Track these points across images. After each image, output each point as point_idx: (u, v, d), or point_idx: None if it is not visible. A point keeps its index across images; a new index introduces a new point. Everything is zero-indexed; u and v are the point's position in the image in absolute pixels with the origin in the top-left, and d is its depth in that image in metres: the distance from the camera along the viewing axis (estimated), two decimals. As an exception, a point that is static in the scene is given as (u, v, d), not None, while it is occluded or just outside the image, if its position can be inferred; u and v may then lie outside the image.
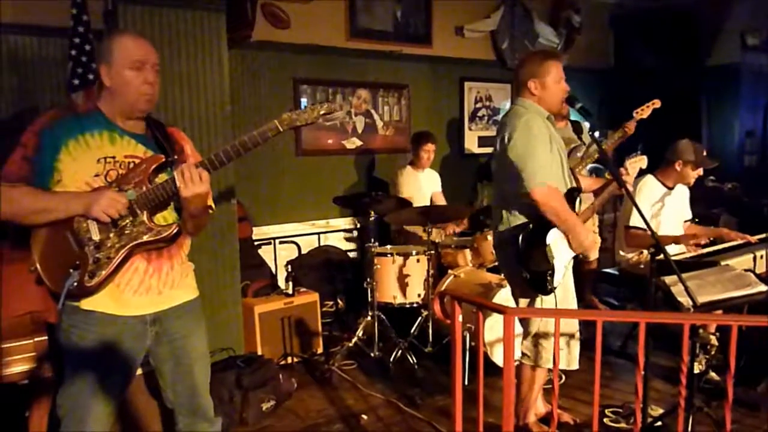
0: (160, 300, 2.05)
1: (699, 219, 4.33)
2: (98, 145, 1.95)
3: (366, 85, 5.45)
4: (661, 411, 3.09)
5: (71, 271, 1.87)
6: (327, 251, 5.24)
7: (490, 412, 2.60)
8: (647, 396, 2.80)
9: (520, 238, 2.67)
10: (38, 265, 1.93)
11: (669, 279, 2.61)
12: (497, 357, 3.59)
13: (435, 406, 3.43)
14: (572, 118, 4.42)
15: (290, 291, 4.16)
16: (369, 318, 4.11)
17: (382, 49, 5.46)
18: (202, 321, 2.21)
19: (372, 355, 4.03)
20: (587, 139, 4.28)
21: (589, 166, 4.58)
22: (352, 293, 5.01)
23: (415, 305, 4.21)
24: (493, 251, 3.14)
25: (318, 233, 5.29)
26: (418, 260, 4.18)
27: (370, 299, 4.12)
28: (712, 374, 3.47)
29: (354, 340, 4.09)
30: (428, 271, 4.10)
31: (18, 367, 2.44)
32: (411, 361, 3.89)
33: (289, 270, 4.34)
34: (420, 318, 4.13)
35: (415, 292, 4.19)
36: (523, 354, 2.94)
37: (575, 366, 2.96)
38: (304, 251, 5.18)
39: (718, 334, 3.33)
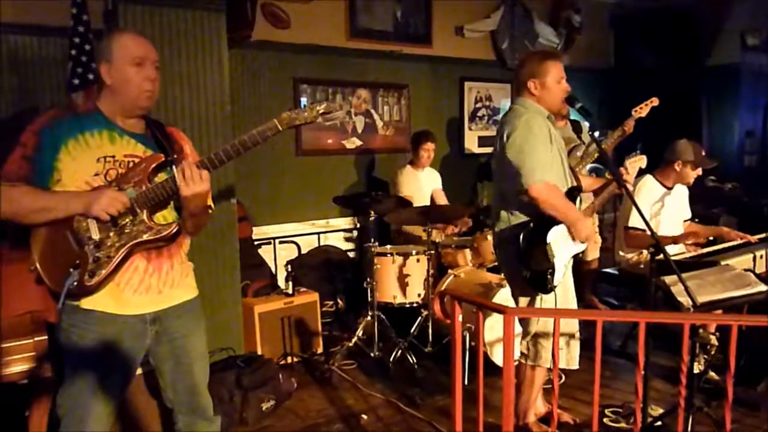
0: (160, 299, 2.05)
1: (699, 219, 4.33)
2: (98, 145, 1.95)
3: (366, 85, 5.45)
4: (661, 411, 3.09)
5: (71, 270, 1.87)
6: (327, 251, 5.24)
7: (490, 411, 2.60)
8: (647, 396, 2.80)
9: (521, 236, 2.67)
10: (38, 265, 1.93)
11: (669, 279, 2.61)
12: (497, 357, 3.59)
13: (435, 405, 3.43)
14: (572, 117, 4.43)
15: (290, 291, 4.16)
16: (369, 318, 4.11)
17: (382, 49, 5.46)
18: (201, 320, 2.22)
19: (372, 354, 4.03)
20: (587, 139, 4.28)
21: (589, 165, 4.58)
22: (352, 293, 5.00)
23: (415, 305, 4.21)
24: (493, 251, 3.14)
25: (318, 233, 5.29)
26: (418, 260, 4.18)
27: (370, 299, 4.12)
28: (712, 374, 3.47)
29: (354, 339, 4.09)
30: (428, 271, 4.10)
31: (18, 366, 2.44)
32: (411, 361, 3.89)
33: (289, 270, 4.35)
34: (420, 318, 4.13)
35: (415, 291, 4.19)
36: (522, 353, 2.94)
37: (575, 366, 2.96)
38: (304, 251, 5.18)
39: (718, 333, 3.33)
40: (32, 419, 2.57)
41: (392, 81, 5.60)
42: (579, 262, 4.62)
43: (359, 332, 4.12)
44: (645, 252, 3.76)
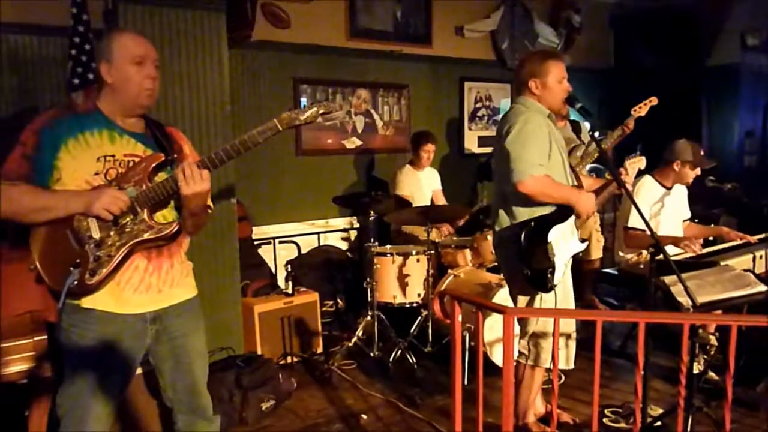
0: (160, 298, 2.05)
1: (699, 219, 4.33)
2: (98, 144, 1.95)
3: (366, 85, 5.45)
4: (660, 411, 3.09)
5: (72, 269, 1.87)
6: (327, 251, 5.24)
7: (490, 411, 2.60)
8: (647, 396, 2.80)
9: (523, 235, 2.67)
10: (38, 264, 1.93)
11: (668, 279, 2.61)
12: (497, 357, 3.59)
13: (435, 405, 3.43)
14: (572, 117, 4.43)
15: (290, 291, 4.16)
16: (369, 318, 4.11)
17: (382, 49, 5.46)
18: (201, 319, 2.22)
19: (372, 354, 4.03)
20: (586, 139, 4.28)
21: (589, 165, 4.58)
22: (352, 293, 5.01)
23: (414, 305, 4.21)
24: (493, 251, 3.14)
25: (318, 233, 5.29)
26: (417, 260, 4.18)
27: (369, 299, 4.12)
28: (712, 374, 3.47)
29: (354, 339, 4.09)
30: (428, 271, 4.10)
31: (17, 366, 2.44)
32: (411, 361, 3.89)
33: (289, 270, 4.35)
34: (420, 318, 4.13)
35: (415, 291, 4.19)
36: (521, 353, 2.94)
37: (572, 365, 2.96)
38: (303, 251, 5.18)
39: (717, 334, 3.33)
40: (32, 419, 2.57)
41: (392, 81, 5.60)
42: (581, 262, 4.63)
43: (359, 332, 4.12)
44: (644, 252, 3.76)
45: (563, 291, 2.87)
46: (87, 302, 1.94)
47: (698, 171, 3.84)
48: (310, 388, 3.72)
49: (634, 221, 3.71)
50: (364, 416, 3.33)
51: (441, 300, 2.58)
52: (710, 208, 5.46)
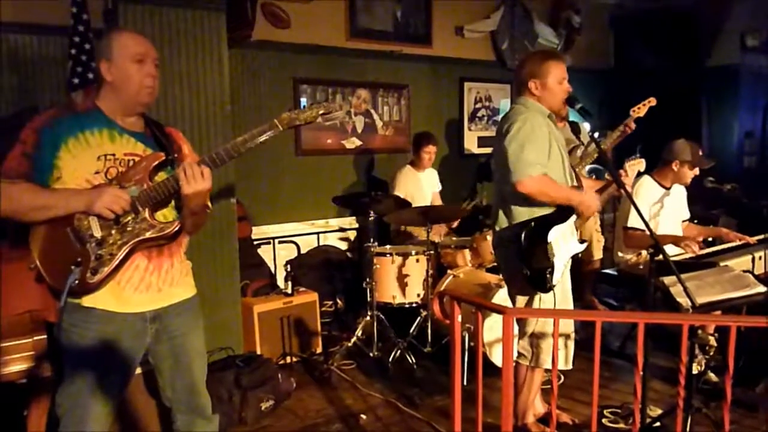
0: (160, 297, 2.06)
1: (698, 220, 4.33)
2: (98, 143, 1.95)
3: (366, 85, 5.45)
4: (659, 411, 3.09)
5: (73, 267, 1.87)
6: (326, 251, 5.24)
7: (489, 412, 2.60)
8: (646, 396, 2.80)
9: (523, 235, 2.67)
10: (38, 262, 1.92)
11: (668, 279, 2.61)
12: (496, 357, 3.60)
13: (434, 406, 3.43)
14: (571, 118, 4.44)
15: (289, 291, 4.16)
16: (368, 318, 4.11)
17: (382, 49, 5.46)
18: (200, 319, 2.22)
19: (371, 354, 4.03)
20: (586, 140, 4.28)
21: (588, 166, 4.58)
22: (352, 293, 5.01)
23: (414, 305, 4.21)
24: (493, 251, 3.14)
25: (317, 233, 5.29)
26: (417, 260, 4.18)
27: (369, 299, 4.12)
28: (711, 375, 3.47)
29: (353, 339, 4.09)
30: (427, 271, 4.10)
31: (17, 366, 2.44)
32: (410, 361, 3.89)
33: (289, 270, 4.35)
34: (419, 318, 4.13)
35: (415, 292, 4.19)
36: (520, 354, 2.94)
37: (570, 366, 2.96)
38: (303, 251, 5.18)
39: (716, 334, 3.33)
40: (31, 419, 2.57)
41: (392, 81, 5.60)
42: (581, 262, 4.63)
43: (358, 332, 4.12)
44: (644, 253, 3.76)
45: (562, 291, 2.87)
46: (87, 301, 1.94)
47: (697, 171, 3.85)
48: (309, 388, 3.72)
49: (634, 221, 3.71)
50: (363, 416, 3.33)
51: (440, 300, 2.58)
52: (710, 208, 5.46)
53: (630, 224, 3.77)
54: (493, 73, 6.32)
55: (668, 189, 3.89)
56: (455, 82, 6.10)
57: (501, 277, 3.53)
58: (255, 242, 4.84)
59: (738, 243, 3.86)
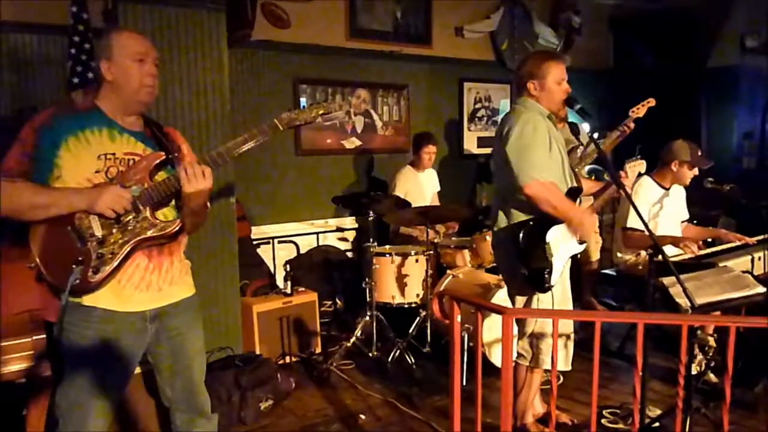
0: (160, 296, 2.06)
1: (698, 221, 4.33)
2: (98, 142, 1.96)
3: (365, 85, 5.45)
4: (659, 412, 3.09)
5: (74, 266, 1.87)
6: (326, 251, 5.24)
7: (488, 412, 2.60)
8: (645, 397, 2.80)
9: (521, 235, 2.67)
10: (38, 261, 1.92)
11: (667, 280, 2.61)
12: (495, 357, 3.60)
13: (433, 406, 3.43)
14: (570, 118, 4.44)
15: (289, 290, 4.17)
16: (367, 318, 4.11)
17: (382, 49, 5.46)
18: (199, 318, 2.23)
19: (370, 354, 4.04)
20: (585, 140, 4.28)
21: (588, 167, 4.58)
22: (351, 293, 5.00)
23: (413, 305, 4.21)
24: (492, 251, 3.15)
25: (317, 233, 5.29)
26: (416, 260, 4.18)
27: (368, 299, 4.12)
28: (710, 375, 3.47)
29: (352, 339, 4.09)
30: (427, 272, 4.10)
31: (16, 365, 2.43)
32: (409, 361, 3.89)
33: (288, 269, 4.35)
34: (418, 318, 4.13)
35: (414, 292, 4.19)
36: (520, 354, 2.94)
37: (569, 367, 2.96)
38: (302, 251, 5.17)
39: (716, 335, 3.33)
40: (30, 418, 2.57)
41: (392, 81, 5.60)
42: (579, 263, 4.63)
43: (358, 332, 4.12)
44: (643, 253, 3.76)
45: (562, 292, 2.87)
46: (88, 300, 1.94)
47: (696, 171, 3.85)
48: (308, 388, 3.72)
49: (633, 222, 3.71)
50: (362, 416, 3.33)
51: (440, 300, 2.58)
52: (709, 209, 5.46)
53: (629, 225, 3.77)
54: (492, 73, 6.32)
55: (667, 190, 3.89)
56: (455, 82, 6.10)
57: (500, 277, 3.53)
58: (254, 242, 4.84)
59: (737, 243, 3.86)
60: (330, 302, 4.94)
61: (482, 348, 3.45)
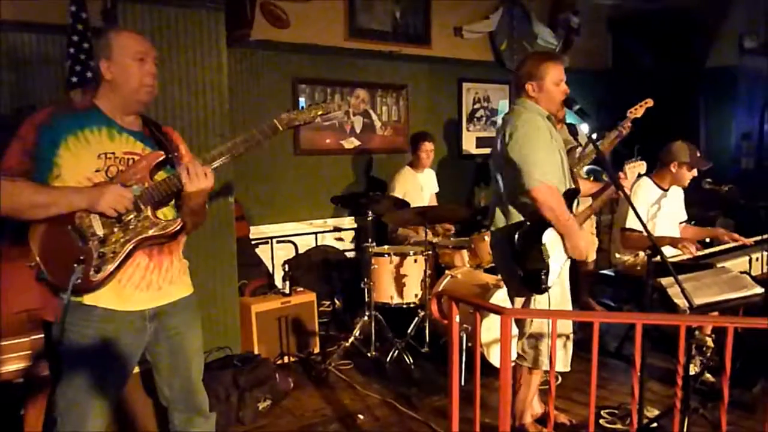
0: (160, 295, 2.06)
1: (696, 221, 4.33)
2: (98, 141, 1.96)
3: (364, 85, 5.45)
4: (657, 412, 3.09)
5: (75, 266, 1.87)
6: (324, 251, 5.24)
7: (487, 412, 2.61)
8: (643, 397, 2.80)
9: (517, 235, 2.67)
10: (38, 260, 1.92)
11: (665, 280, 2.61)
12: (494, 358, 3.60)
13: (432, 406, 3.43)
14: (569, 119, 4.45)
15: (287, 290, 4.16)
16: (366, 318, 4.11)
17: (381, 49, 5.46)
18: (198, 317, 2.23)
19: (369, 355, 4.04)
20: (584, 141, 4.28)
21: (586, 167, 4.59)
22: (349, 293, 5.00)
23: (412, 305, 4.21)
24: (491, 251, 3.15)
25: (315, 233, 5.29)
26: (415, 260, 4.18)
27: (367, 299, 4.12)
28: (708, 376, 3.47)
29: (351, 340, 4.08)
30: (425, 272, 4.10)
31: (14, 365, 2.43)
32: (408, 362, 3.89)
33: (287, 269, 4.34)
34: (417, 318, 4.13)
35: (412, 292, 4.19)
36: (519, 355, 2.94)
37: (568, 368, 2.96)
38: (301, 251, 5.17)
39: (714, 335, 3.33)
40: (28, 418, 2.56)
41: (391, 81, 5.60)
42: (576, 264, 4.63)
43: (356, 332, 4.12)
44: (641, 254, 3.77)
45: (561, 293, 2.87)
46: (89, 299, 1.94)
47: (695, 172, 3.86)
48: (307, 388, 3.72)
49: (632, 222, 3.71)
50: (360, 416, 3.33)
51: (439, 300, 2.58)
52: (707, 210, 5.46)
53: (628, 225, 3.77)
54: (491, 73, 6.32)
55: (666, 191, 3.90)
56: (454, 82, 6.10)
57: (499, 277, 3.54)
58: (253, 242, 4.84)
59: (735, 244, 3.87)
60: (328, 302, 4.94)
61: (481, 348, 3.46)
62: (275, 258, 5.02)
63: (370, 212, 4.19)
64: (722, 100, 6.62)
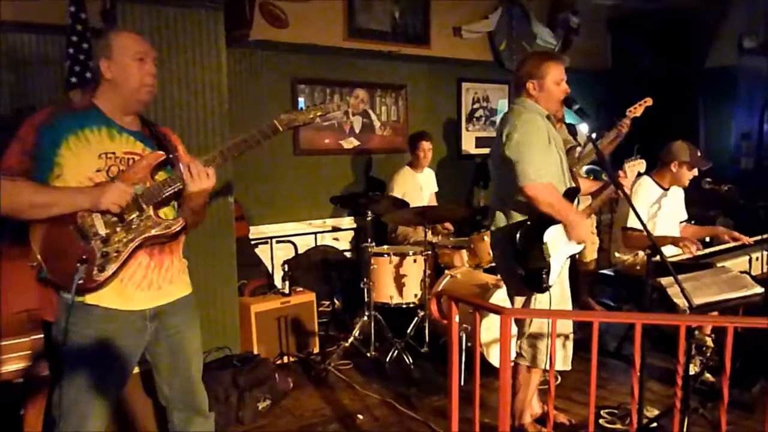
0: (160, 295, 2.06)
1: (696, 221, 4.33)
2: (98, 141, 1.96)
3: (364, 85, 5.45)
4: (656, 412, 3.10)
5: (78, 265, 1.86)
6: (324, 251, 5.24)
7: (487, 412, 2.60)
8: (643, 397, 2.80)
9: (518, 234, 2.68)
10: (40, 259, 1.92)
11: (665, 280, 2.61)
12: (494, 357, 3.60)
13: (431, 406, 3.43)
14: (569, 119, 4.45)
15: (287, 290, 4.16)
16: (365, 318, 4.11)
17: (380, 49, 5.46)
18: (197, 317, 2.24)
19: (368, 355, 4.04)
20: (583, 140, 4.28)
21: (586, 167, 4.59)
22: (349, 293, 5.00)
23: (411, 305, 4.21)
24: (491, 251, 3.15)
25: (315, 233, 5.29)
26: (414, 260, 4.18)
27: (366, 299, 4.12)
28: (708, 376, 3.47)
29: (350, 340, 4.08)
30: (425, 272, 4.10)
31: (13, 365, 2.42)
32: (407, 361, 3.89)
33: (286, 269, 4.34)
34: (416, 318, 4.13)
35: (412, 292, 4.19)
36: (518, 354, 2.94)
37: (569, 366, 2.96)
38: (300, 251, 5.17)
39: (713, 335, 3.33)
40: (28, 418, 2.56)
41: (390, 81, 5.60)
42: (576, 263, 4.63)
43: (356, 332, 4.12)
44: (641, 253, 3.77)
45: (560, 292, 2.87)
46: (91, 299, 1.94)
47: (695, 172, 3.86)
48: (306, 388, 3.71)
49: (633, 221, 3.71)
50: (360, 416, 3.33)
51: (438, 300, 2.58)
52: (707, 210, 5.47)
53: (629, 224, 3.77)
54: (490, 73, 6.32)
55: (666, 190, 3.90)
56: (453, 82, 6.10)
57: (498, 277, 3.54)
58: (252, 242, 4.84)
59: (735, 244, 3.87)
60: (328, 302, 4.94)
61: (480, 348, 3.46)
62: (275, 258, 5.02)
63: (369, 212, 4.19)
64: (722, 100, 6.62)
